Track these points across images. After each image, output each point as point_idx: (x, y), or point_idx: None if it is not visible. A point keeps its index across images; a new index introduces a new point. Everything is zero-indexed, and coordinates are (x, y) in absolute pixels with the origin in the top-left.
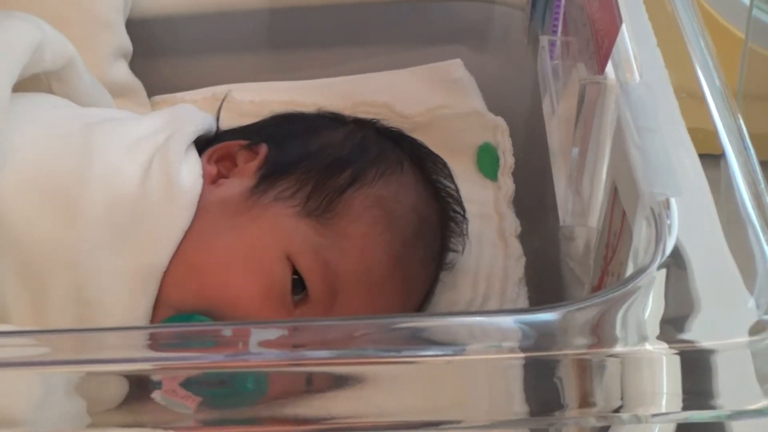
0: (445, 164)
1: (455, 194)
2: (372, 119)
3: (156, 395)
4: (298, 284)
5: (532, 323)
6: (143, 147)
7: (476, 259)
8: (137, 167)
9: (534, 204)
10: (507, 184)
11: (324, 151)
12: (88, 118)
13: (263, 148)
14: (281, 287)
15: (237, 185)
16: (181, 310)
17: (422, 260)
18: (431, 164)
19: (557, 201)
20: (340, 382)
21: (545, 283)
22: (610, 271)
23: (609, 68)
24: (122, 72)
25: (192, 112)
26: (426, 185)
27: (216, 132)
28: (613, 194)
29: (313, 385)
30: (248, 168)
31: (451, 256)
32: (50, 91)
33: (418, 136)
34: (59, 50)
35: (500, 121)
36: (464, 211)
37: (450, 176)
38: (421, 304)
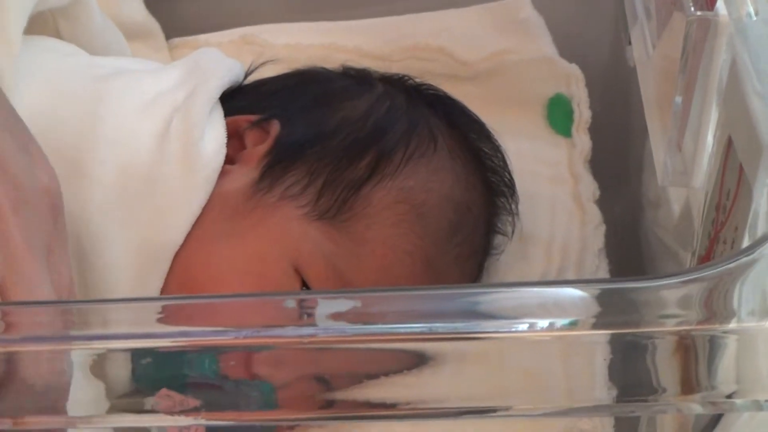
0: (489, 133)
1: (502, 168)
2: (402, 76)
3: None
4: None
5: (623, 294)
6: (160, 106)
7: (549, 228)
8: (153, 130)
9: (614, 164)
10: (583, 141)
11: (342, 129)
12: (99, 70)
13: (274, 127)
14: None
15: (241, 176)
16: None
17: (459, 257)
18: (473, 133)
19: (654, 159)
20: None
21: (628, 254)
22: (721, 238)
23: (720, 2)
24: (137, 11)
25: (217, 60)
26: (466, 162)
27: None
28: (727, 148)
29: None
30: (256, 153)
31: (499, 239)
32: (57, 33)
33: (479, 85)
34: None
35: (574, 69)
36: (514, 188)
37: (496, 147)
38: None
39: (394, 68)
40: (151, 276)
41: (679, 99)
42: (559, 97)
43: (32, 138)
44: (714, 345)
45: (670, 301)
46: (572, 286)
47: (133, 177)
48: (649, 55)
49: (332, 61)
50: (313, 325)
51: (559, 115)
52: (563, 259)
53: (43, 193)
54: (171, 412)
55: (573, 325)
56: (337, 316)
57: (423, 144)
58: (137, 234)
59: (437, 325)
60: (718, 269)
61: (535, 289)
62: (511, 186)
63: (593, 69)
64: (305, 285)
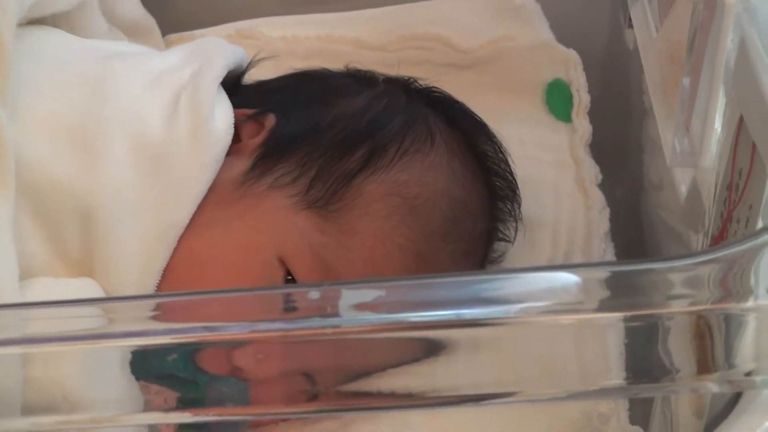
0: (493, 136)
1: (504, 168)
2: (406, 78)
3: None
4: None
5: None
6: (166, 83)
7: (554, 213)
8: (160, 107)
9: (614, 147)
10: (583, 125)
11: (337, 123)
12: (102, 52)
13: (270, 120)
14: None
15: (234, 167)
16: None
17: (454, 254)
18: (473, 132)
19: (662, 141)
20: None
21: (631, 237)
22: (734, 217)
23: None
24: (133, 7)
25: (220, 44)
26: (465, 162)
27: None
28: (738, 127)
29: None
30: (250, 145)
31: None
32: None
33: (477, 73)
34: None
35: (572, 54)
36: (516, 189)
37: (500, 150)
38: None
39: (392, 58)
40: (157, 256)
41: (686, 80)
42: (557, 82)
43: None
44: (732, 323)
45: (687, 282)
46: (586, 269)
47: (143, 155)
48: (653, 37)
49: (329, 52)
50: (337, 315)
51: (558, 100)
52: (569, 243)
53: None
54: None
55: (587, 307)
56: (361, 307)
57: (419, 140)
58: (149, 212)
59: (461, 311)
60: (735, 249)
61: (554, 273)
62: (514, 190)
63: (591, 53)
64: (290, 276)
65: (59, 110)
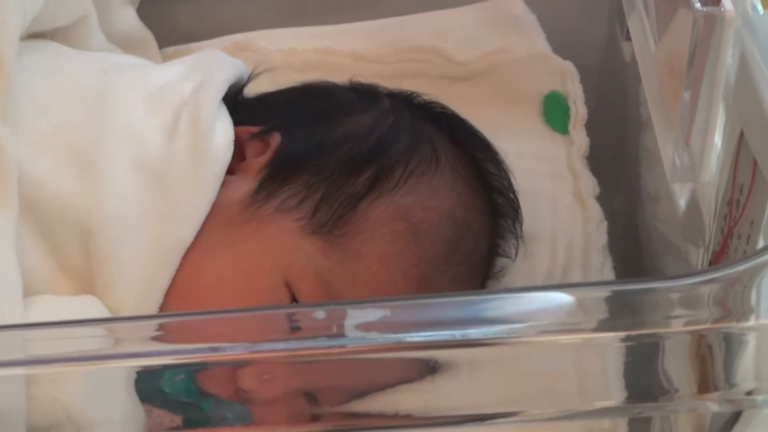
0: (495, 153)
1: (506, 186)
2: (410, 93)
3: None
4: None
5: (640, 295)
6: (167, 98)
7: (552, 226)
8: (161, 124)
9: (611, 160)
10: (580, 137)
11: (343, 144)
12: (102, 63)
13: (275, 140)
14: None
15: (240, 187)
16: None
17: (456, 277)
18: (479, 153)
19: (661, 154)
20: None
21: (631, 249)
22: (735, 233)
23: None
24: (130, 20)
25: (221, 57)
26: (469, 181)
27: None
28: (739, 143)
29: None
30: (255, 164)
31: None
32: None
33: (474, 86)
34: (74, 3)
35: (569, 66)
36: (518, 208)
37: (502, 167)
38: None
39: (389, 70)
40: (159, 274)
41: (686, 95)
42: (554, 94)
43: None
44: (732, 342)
45: (687, 301)
46: (586, 289)
47: (144, 172)
48: (651, 49)
49: (327, 65)
50: (343, 335)
51: (555, 112)
52: (568, 257)
53: None
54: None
55: (587, 327)
56: (365, 327)
57: (425, 161)
58: (150, 230)
59: (465, 331)
60: (736, 268)
61: (554, 293)
62: (515, 208)
63: (588, 65)
64: (294, 300)
65: (60, 126)
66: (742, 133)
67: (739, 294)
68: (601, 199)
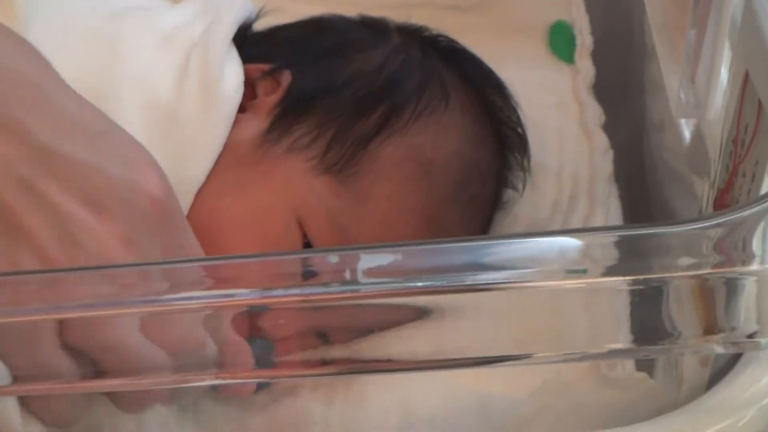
0: (504, 88)
1: (515, 120)
2: (419, 27)
3: None
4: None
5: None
6: (177, 42)
7: (558, 156)
8: (171, 66)
9: (615, 88)
10: (586, 67)
11: (354, 82)
12: (113, 5)
13: (286, 78)
14: None
15: (251, 126)
16: None
17: (464, 214)
18: (487, 87)
19: (665, 84)
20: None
21: (636, 178)
22: (740, 171)
23: None
24: None
25: None
26: (478, 118)
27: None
28: (744, 83)
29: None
30: (267, 103)
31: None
32: None
33: (480, 16)
34: None
35: None
36: (526, 142)
37: (511, 101)
38: None
39: (396, 1)
40: None
41: (692, 32)
42: (560, 23)
43: (126, 137)
44: (735, 287)
45: (692, 246)
46: (592, 234)
47: (155, 114)
48: None
49: None
50: (355, 281)
51: (561, 41)
52: (574, 187)
53: (152, 208)
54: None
55: (594, 272)
56: (377, 271)
57: (435, 100)
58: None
59: (473, 276)
60: (740, 214)
61: (561, 239)
62: (524, 142)
63: None
64: (306, 239)
65: (71, 71)
66: (747, 74)
67: (742, 239)
68: (606, 127)
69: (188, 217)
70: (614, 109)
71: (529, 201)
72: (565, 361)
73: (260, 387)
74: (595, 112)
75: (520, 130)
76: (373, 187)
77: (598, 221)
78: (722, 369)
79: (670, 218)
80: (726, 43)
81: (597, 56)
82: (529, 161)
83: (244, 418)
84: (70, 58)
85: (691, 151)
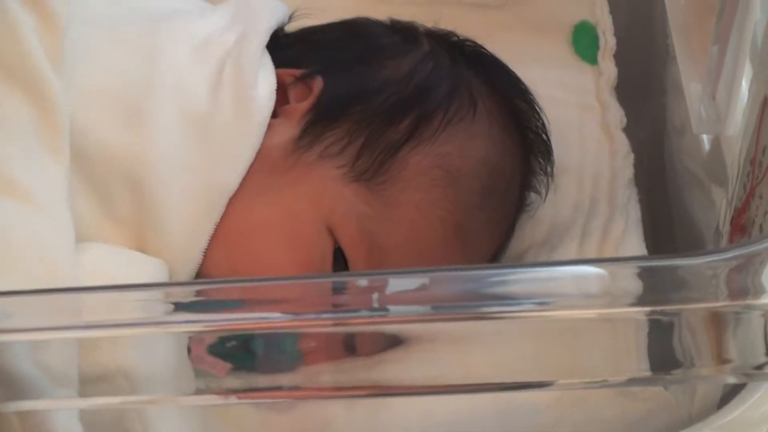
0: (530, 95)
1: (540, 126)
2: (447, 32)
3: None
4: (339, 254)
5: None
6: (212, 50)
7: (579, 157)
8: (206, 75)
9: (638, 90)
10: (609, 68)
11: (385, 89)
12: (150, 13)
13: (318, 84)
14: (320, 261)
15: (283, 132)
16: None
17: (490, 220)
18: (513, 94)
19: (688, 105)
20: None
21: (656, 181)
22: (757, 193)
23: None
24: None
25: (263, 2)
26: (504, 125)
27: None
28: (763, 105)
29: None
30: (298, 109)
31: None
32: None
33: (506, 14)
34: None
35: None
36: (550, 149)
37: (534, 104)
38: (491, 261)
39: None
40: (205, 218)
41: (714, 48)
42: (584, 24)
43: None
44: (745, 320)
45: (705, 279)
46: (613, 264)
47: (190, 122)
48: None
49: None
50: (384, 308)
51: (584, 42)
52: (594, 189)
53: None
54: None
55: (612, 302)
56: (405, 297)
57: (463, 108)
58: (195, 178)
59: (499, 304)
60: (754, 248)
61: (579, 268)
62: (548, 148)
63: None
64: (337, 245)
65: (109, 78)
66: (766, 98)
67: (753, 273)
68: (627, 129)
69: (221, 223)
70: (636, 110)
71: (550, 202)
72: (585, 388)
73: None
74: (616, 114)
75: (544, 136)
76: (402, 194)
77: (618, 226)
78: (735, 386)
79: (688, 223)
80: (747, 62)
81: (619, 57)
82: (552, 167)
83: (267, 418)
84: (108, 63)
85: (710, 160)
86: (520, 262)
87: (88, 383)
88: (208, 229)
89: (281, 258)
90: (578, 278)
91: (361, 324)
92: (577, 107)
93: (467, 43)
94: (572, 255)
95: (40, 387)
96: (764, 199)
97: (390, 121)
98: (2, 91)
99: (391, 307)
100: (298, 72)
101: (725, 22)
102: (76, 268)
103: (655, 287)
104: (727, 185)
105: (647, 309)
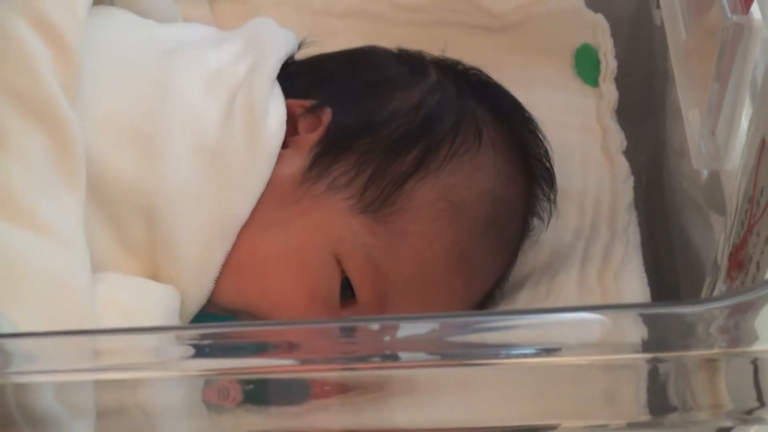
0: (534, 123)
1: (543, 155)
2: (455, 61)
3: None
4: (346, 284)
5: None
6: (223, 82)
7: (581, 180)
8: (218, 106)
9: (638, 113)
10: (609, 91)
11: (393, 121)
12: (162, 44)
13: (327, 115)
14: (327, 291)
15: (293, 163)
16: (220, 307)
17: (493, 248)
18: (518, 123)
19: (687, 134)
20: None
21: (656, 201)
22: (755, 231)
23: (755, 6)
24: None
25: (273, 32)
26: (508, 155)
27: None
28: (761, 147)
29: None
30: (308, 140)
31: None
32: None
33: (509, 36)
34: None
35: (600, 19)
36: (553, 179)
37: (538, 132)
38: (494, 288)
39: (427, 20)
40: (216, 248)
41: (714, 86)
42: (586, 47)
43: None
44: (743, 366)
45: (701, 326)
46: (613, 311)
47: (202, 153)
48: (682, 36)
49: (366, 13)
50: (395, 356)
51: (586, 64)
52: (595, 214)
53: None
54: None
55: (614, 349)
56: (414, 342)
57: (468, 139)
58: (207, 209)
59: (506, 350)
60: (750, 296)
61: (581, 314)
62: (551, 175)
63: (619, 18)
64: (344, 274)
65: (123, 109)
66: (764, 141)
67: (746, 321)
68: (627, 151)
69: (232, 252)
70: (637, 131)
71: (551, 226)
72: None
73: None
74: (617, 137)
75: (548, 163)
76: (408, 225)
77: (618, 251)
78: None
79: (687, 246)
80: (747, 101)
81: (620, 79)
82: (555, 194)
83: None
84: (122, 95)
85: (708, 188)
86: (524, 309)
87: (106, 417)
88: (219, 259)
89: (290, 287)
90: (580, 325)
91: (370, 369)
92: (578, 130)
93: (472, 71)
94: (573, 280)
95: (60, 422)
96: (761, 237)
97: (397, 153)
98: (18, 123)
99: (401, 353)
100: (307, 103)
101: (726, 60)
102: (93, 299)
103: (654, 334)
104: (725, 218)
105: (647, 356)
